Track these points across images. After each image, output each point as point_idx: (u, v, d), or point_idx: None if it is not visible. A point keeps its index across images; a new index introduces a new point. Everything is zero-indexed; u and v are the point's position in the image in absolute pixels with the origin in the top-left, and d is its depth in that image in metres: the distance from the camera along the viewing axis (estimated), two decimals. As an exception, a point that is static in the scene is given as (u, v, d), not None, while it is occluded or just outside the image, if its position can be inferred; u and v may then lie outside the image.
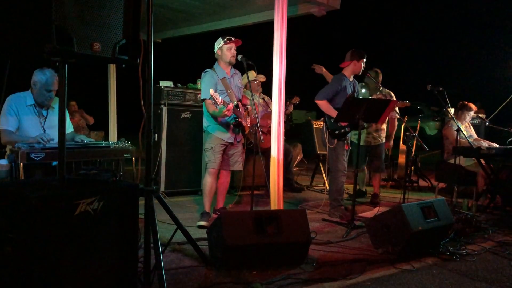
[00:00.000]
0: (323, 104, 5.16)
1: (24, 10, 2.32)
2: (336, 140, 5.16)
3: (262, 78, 6.36)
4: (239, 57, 4.63)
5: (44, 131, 3.98)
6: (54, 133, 3.81)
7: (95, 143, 4.02)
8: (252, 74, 6.16)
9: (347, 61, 5.28)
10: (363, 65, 5.28)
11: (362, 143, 5.94)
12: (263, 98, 6.53)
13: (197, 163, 6.17)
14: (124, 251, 2.58)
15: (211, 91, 4.23)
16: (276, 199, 4.47)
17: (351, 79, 5.35)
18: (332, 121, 5.08)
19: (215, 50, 4.70)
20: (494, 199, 5.91)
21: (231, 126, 4.66)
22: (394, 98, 6.04)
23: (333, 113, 5.08)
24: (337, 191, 5.22)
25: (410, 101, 6.21)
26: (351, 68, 5.27)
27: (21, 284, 2.25)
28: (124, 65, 2.69)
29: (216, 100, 4.22)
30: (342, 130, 5.08)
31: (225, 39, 4.61)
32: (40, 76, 3.91)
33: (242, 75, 5.04)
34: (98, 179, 2.85)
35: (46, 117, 4.05)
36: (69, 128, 4.33)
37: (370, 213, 5.37)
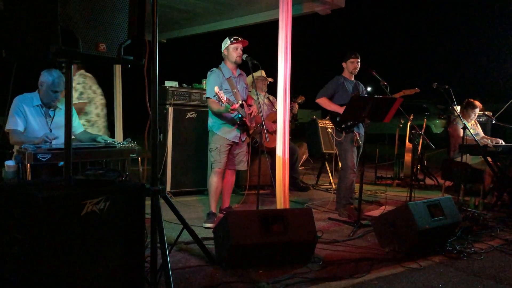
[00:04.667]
0: (322, 101, 5.34)
1: (29, 11, 2.33)
2: (344, 134, 5.19)
3: (269, 79, 6.37)
4: (244, 56, 4.63)
5: (51, 131, 4.00)
6: (61, 133, 3.82)
7: (110, 143, 4.02)
8: (261, 73, 6.17)
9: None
10: (353, 64, 5.39)
11: None
12: (268, 98, 6.52)
13: (203, 162, 6.18)
14: (130, 251, 2.59)
15: (216, 88, 4.23)
16: (282, 198, 4.47)
17: (352, 78, 5.48)
18: (338, 119, 5.10)
19: (222, 50, 4.71)
20: (501, 197, 5.87)
21: (236, 125, 4.66)
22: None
23: (335, 107, 5.22)
24: (346, 189, 5.22)
25: (416, 99, 6.18)
26: (345, 69, 5.48)
27: (28, 283, 2.26)
28: (129, 66, 2.69)
29: (221, 98, 4.22)
30: (349, 123, 5.12)
31: (232, 39, 4.61)
32: (47, 77, 3.94)
33: (247, 74, 5.04)
34: (104, 179, 2.86)
35: (52, 118, 4.07)
36: (80, 128, 4.34)
37: (376, 211, 5.35)
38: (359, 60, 5.40)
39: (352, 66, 5.38)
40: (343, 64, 5.48)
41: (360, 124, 5.21)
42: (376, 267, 3.48)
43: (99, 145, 3.95)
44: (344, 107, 4.96)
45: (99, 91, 5.21)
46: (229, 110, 4.36)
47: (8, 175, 3.55)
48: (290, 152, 4.86)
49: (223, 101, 4.23)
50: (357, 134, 5.22)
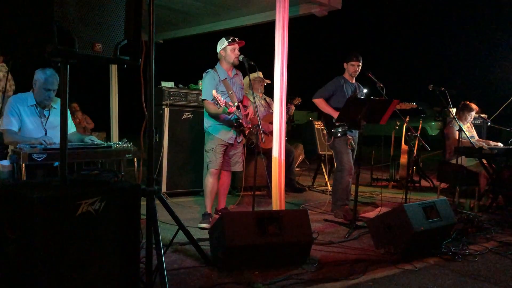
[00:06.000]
0: (319, 102, 5.35)
1: (25, 10, 2.32)
2: (333, 138, 5.21)
3: (267, 80, 6.38)
4: (241, 57, 4.62)
5: (46, 131, 3.99)
6: (55, 134, 3.82)
7: (99, 144, 4.01)
8: (258, 74, 6.18)
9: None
10: (353, 67, 5.38)
11: None
12: (264, 99, 6.53)
13: (198, 163, 6.17)
14: (126, 252, 2.58)
15: (214, 92, 4.23)
16: (277, 200, 4.47)
17: (353, 81, 5.48)
18: (334, 121, 5.11)
19: (218, 50, 4.69)
20: (496, 199, 5.89)
21: (232, 126, 4.66)
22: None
23: (330, 110, 5.24)
24: (342, 191, 5.21)
25: (412, 101, 6.19)
26: (346, 70, 5.47)
27: (22, 284, 2.25)
28: (125, 66, 2.69)
29: (219, 101, 4.22)
30: (339, 129, 5.14)
31: (229, 40, 4.60)
32: (40, 75, 3.92)
33: (244, 75, 5.04)
34: (100, 180, 2.85)
35: (47, 118, 4.06)
36: (71, 128, 4.33)
37: (372, 213, 5.36)
38: (360, 64, 5.38)
39: (352, 68, 5.37)
40: (344, 64, 5.46)
41: None
42: (371, 269, 3.48)
43: (95, 145, 3.94)
44: (338, 112, 4.96)
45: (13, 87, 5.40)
46: (227, 112, 4.36)
47: (3, 175, 3.54)
48: (286, 154, 4.86)
49: (221, 104, 4.24)
50: (351, 137, 5.23)
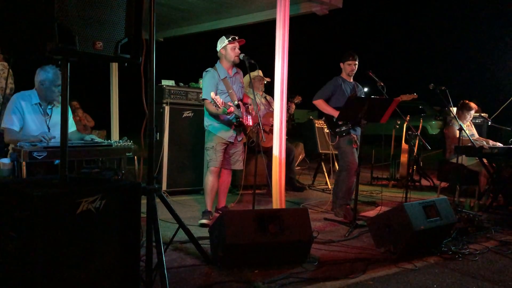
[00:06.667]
0: (319, 103, 5.32)
1: (26, 8, 2.32)
2: (338, 137, 5.19)
3: (266, 78, 6.38)
4: (241, 56, 4.62)
5: (49, 129, 3.99)
6: (58, 132, 3.81)
7: (100, 142, 4.01)
8: (258, 72, 6.18)
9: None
10: (350, 66, 5.35)
11: None
12: (265, 97, 6.53)
13: (199, 162, 6.17)
14: (126, 250, 2.58)
15: (212, 94, 4.24)
16: (278, 198, 4.47)
17: (350, 80, 5.45)
18: (334, 120, 5.10)
19: (218, 49, 4.68)
20: (497, 198, 5.89)
21: (233, 125, 4.66)
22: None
23: (331, 110, 5.21)
24: (346, 190, 5.17)
25: (413, 100, 6.19)
26: (343, 70, 5.45)
27: (23, 282, 2.25)
28: (126, 64, 2.68)
29: (218, 103, 4.22)
30: (344, 128, 5.11)
31: (230, 38, 4.59)
32: (46, 75, 3.91)
33: (244, 74, 5.04)
34: (100, 178, 2.85)
35: (50, 116, 4.06)
36: (72, 127, 4.33)
37: (372, 212, 5.36)
38: (356, 62, 5.34)
39: (349, 68, 5.35)
40: (341, 64, 5.43)
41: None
42: (371, 268, 3.48)
43: (95, 143, 3.94)
44: (339, 112, 4.96)
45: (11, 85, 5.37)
46: (226, 113, 4.36)
47: (3, 173, 3.54)
48: (286, 152, 4.86)
49: (219, 105, 4.23)
50: (355, 136, 5.22)
